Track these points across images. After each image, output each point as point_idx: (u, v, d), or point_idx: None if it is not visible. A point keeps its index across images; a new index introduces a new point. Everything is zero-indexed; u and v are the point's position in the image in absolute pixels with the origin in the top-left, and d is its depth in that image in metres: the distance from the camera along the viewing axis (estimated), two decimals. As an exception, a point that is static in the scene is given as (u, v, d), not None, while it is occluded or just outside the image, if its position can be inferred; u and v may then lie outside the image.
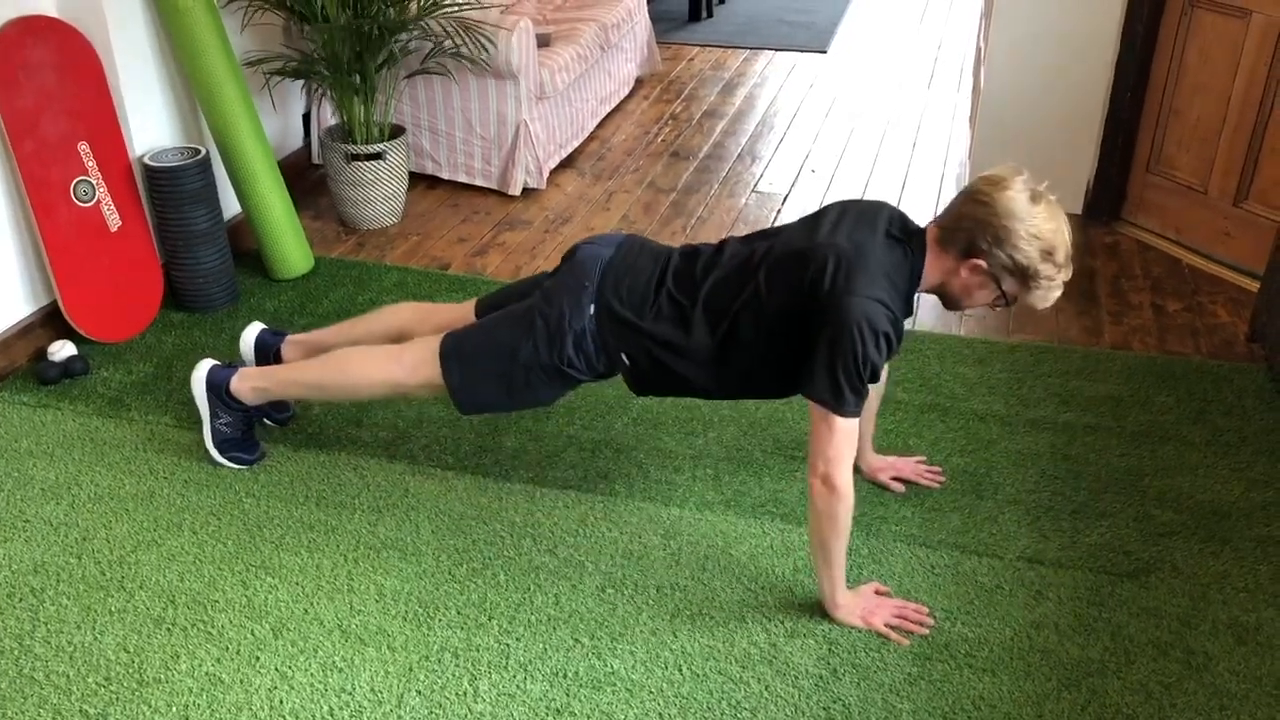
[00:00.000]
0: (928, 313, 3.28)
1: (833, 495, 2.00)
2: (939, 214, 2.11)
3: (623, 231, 2.34)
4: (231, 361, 2.63)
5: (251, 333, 2.70)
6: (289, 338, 2.68)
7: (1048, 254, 1.98)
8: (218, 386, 2.50)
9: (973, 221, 2.00)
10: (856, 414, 2.01)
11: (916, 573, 2.28)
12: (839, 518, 2.02)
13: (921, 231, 2.11)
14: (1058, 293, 2.04)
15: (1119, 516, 2.43)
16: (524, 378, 2.25)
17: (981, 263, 2.01)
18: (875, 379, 2.04)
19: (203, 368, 2.52)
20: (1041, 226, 1.97)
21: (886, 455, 2.59)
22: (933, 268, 2.08)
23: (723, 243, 2.25)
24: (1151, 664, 2.05)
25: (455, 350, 2.28)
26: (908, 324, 3.22)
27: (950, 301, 2.15)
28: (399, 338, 2.49)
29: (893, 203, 3.99)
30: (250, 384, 2.49)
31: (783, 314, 2.07)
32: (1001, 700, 1.98)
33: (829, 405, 1.99)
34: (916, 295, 2.12)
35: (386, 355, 2.35)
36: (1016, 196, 1.97)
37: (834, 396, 1.98)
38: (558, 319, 2.21)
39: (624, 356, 2.21)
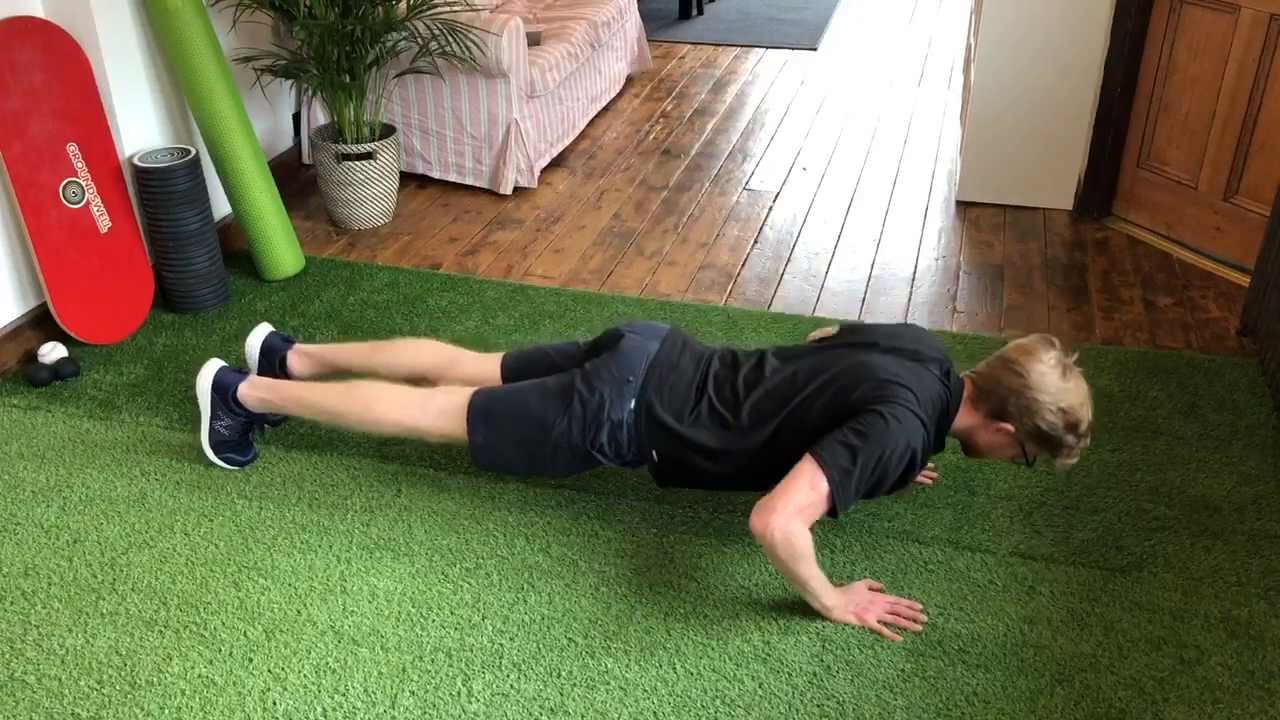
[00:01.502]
0: (919, 308, 3.29)
1: (790, 542, 2.00)
2: (975, 370, 2.22)
3: (663, 323, 2.39)
4: (240, 367, 2.62)
5: (259, 335, 2.68)
6: (297, 346, 2.67)
7: (1072, 427, 2.11)
8: (225, 390, 2.49)
9: (1005, 389, 2.13)
10: (841, 508, 2.02)
11: (909, 569, 2.28)
12: (802, 554, 2.02)
13: (960, 380, 2.22)
14: (1076, 459, 2.17)
15: (1111, 511, 2.44)
16: (550, 453, 2.28)
17: (1009, 426, 2.14)
18: (876, 492, 2.08)
19: (210, 368, 2.51)
20: (1069, 402, 2.10)
21: None
22: (963, 417, 2.20)
23: (761, 356, 2.31)
24: (1144, 658, 2.06)
25: (485, 412, 2.29)
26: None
27: (972, 451, 2.26)
28: (418, 377, 2.50)
29: (885, 199, 4.00)
30: (259, 394, 2.48)
31: (821, 427, 2.12)
32: (995, 696, 1.98)
33: (830, 476, 2.00)
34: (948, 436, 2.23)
35: (413, 400, 2.35)
36: (1048, 372, 2.10)
37: (842, 473, 2.00)
38: (597, 406, 2.23)
39: (654, 454, 2.25)
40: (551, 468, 2.33)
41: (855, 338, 2.29)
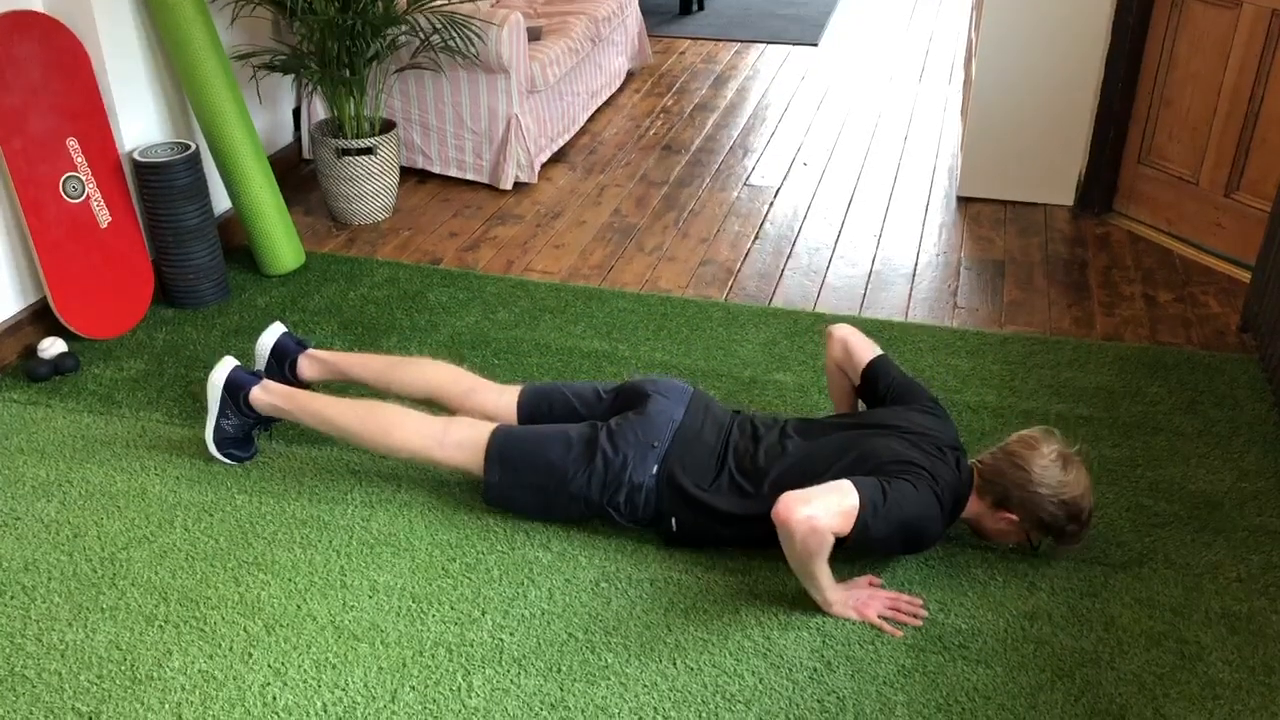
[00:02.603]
0: (919, 303, 3.29)
1: (822, 534, 2.00)
2: (981, 459, 2.26)
3: (686, 384, 2.41)
4: (254, 370, 2.61)
5: (271, 335, 2.67)
6: (310, 352, 2.66)
7: (1074, 517, 2.17)
8: (237, 390, 2.48)
9: (1009, 481, 2.18)
10: (859, 529, 2.02)
11: (910, 565, 2.28)
12: (823, 548, 2.03)
13: (970, 468, 2.26)
14: (1080, 544, 2.24)
15: (1111, 507, 2.44)
16: (565, 502, 2.30)
17: (1013, 516, 2.19)
18: (888, 544, 2.11)
19: (225, 366, 2.51)
20: (1070, 494, 2.15)
21: None
22: (972, 504, 2.26)
23: (782, 428, 2.33)
24: (1145, 654, 2.06)
25: (504, 452, 2.31)
26: (900, 318, 3.23)
27: (979, 534, 2.30)
28: (432, 400, 2.50)
29: (884, 196, 4.00)
30: (273, 401, 2.48)
31: None
32: (995, 691, 1.98)
33: (861, 496, 2.01)
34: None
35: (430, 430, 2.35)
36: (1050, 466, 2.16)
37: (871, 501, 2.02)
38: (620, 466, 2.25)
39: (674, 521, 2.27)
40: (562, 514, 2.36)
41: (877, 418, 2.32)
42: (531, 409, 2.45)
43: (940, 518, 2.14)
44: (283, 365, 2.65)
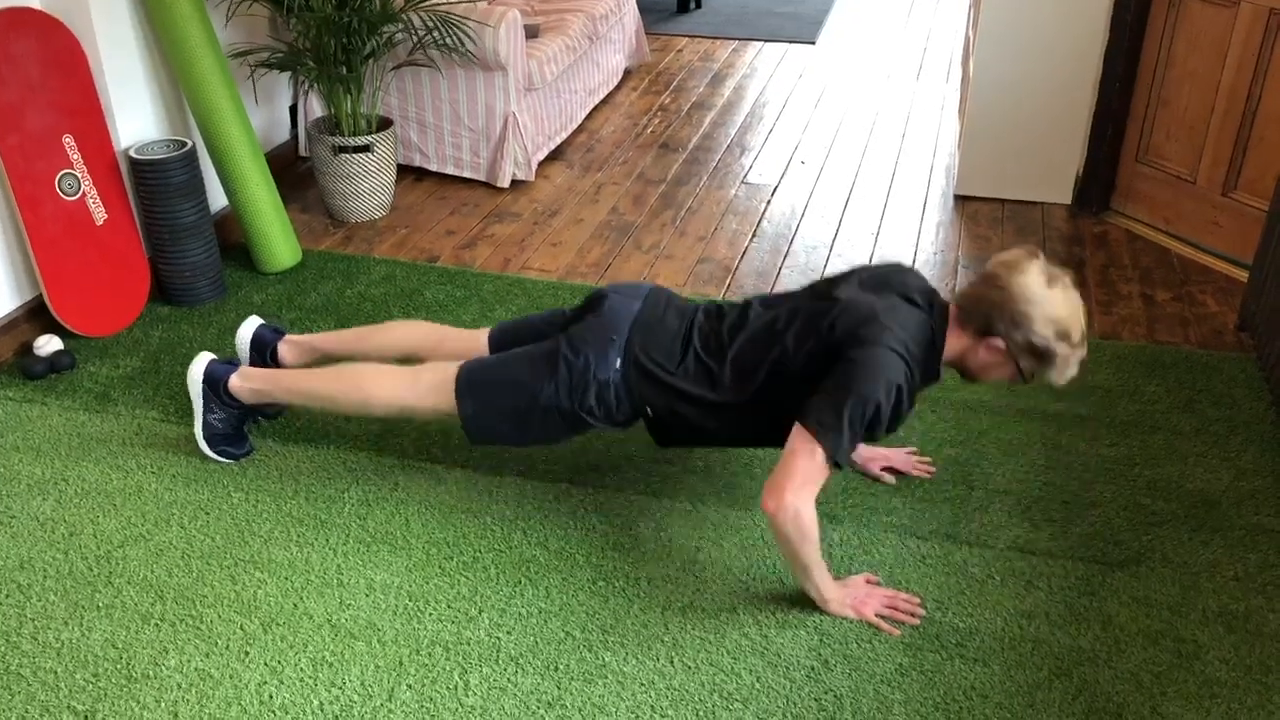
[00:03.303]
0: (918, 303, 3.28)
1: (799, 522, 1.99)
2: (958, 293, 2.17)
3: (646, 282, 2.35)
4: (231, 359, 2.61)
5: (249, 328, 2.68)
6: (287, 337, 2.66)
7: (1063, 336, 2.06)
8: (216, 382, 2.48)
9: (990, 305, 2.08)
10: (843, 461, 2.00)
11: (907, 563, 2.28)
12: (808, 535, 2.01)
13: (945, 305, 2.18)
14: (1074, 370, 2.11)
15: (1109, 506, 2.44)
16: (540, 419, 2.26)
17: (999, 343, 2.09)
18: (874, 434, 2.05)
19: (201, 361, 2.51)
20: (1057, 310, 2.05)
21: (877, 446, 2.59)
22: (953, 342, 2.15)
23: (746, 304, 2.29)
24: (1142, 653, 2.06)
25: (472, 382, 2.28)
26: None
27: (968, 375, 2.22)
28: (408, 359, 2.49)
29: (881, 194, 4.00)
30: (251, 385, 2.48)
31: (808, 372, 2.10)
32: (993, 690, 1.98)
33: (821, 438, 1.98)
34: (942, 365, 2.18)
35: (402, 378, 2.34)
36: (1032, 281, 2.06)
37: (831, 430, 1.98)
38: (583, 367, 2.22)
39: (649, 409, 2.23)
40: (543, 434, 2.30)
41: (838, 279, 2.26)
42: (500, 344, 2.44)
43: (908, 373, 2.03)
44: (264, 356, 2.65)
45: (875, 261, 2.31)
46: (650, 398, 2.22)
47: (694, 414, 2.20)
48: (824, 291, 2.23)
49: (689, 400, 2.19)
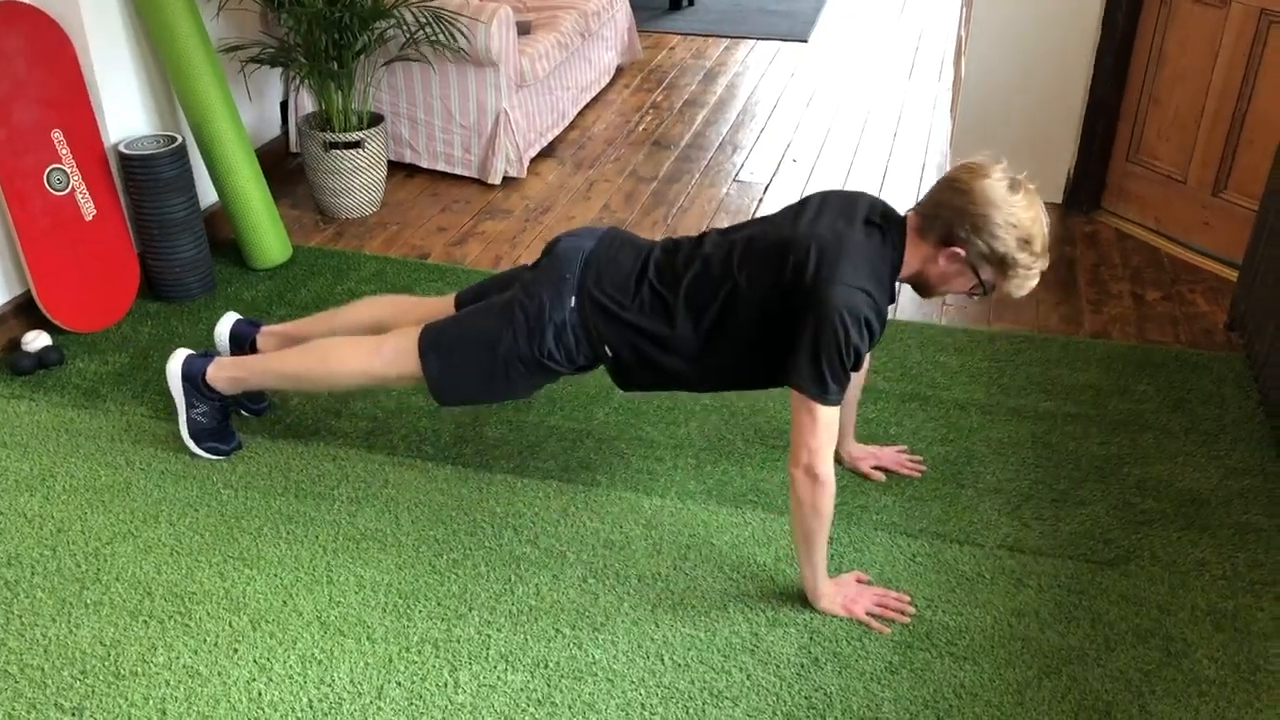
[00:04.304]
0: (909, 302, 3.28)
1: (816, 485, 2.00)
2: (918, 202, 2.11)
3: (604, 224, 2.33)
4: (207, 350, 2.60)
5: (226, 323, 2.68)
6: (264, 329, 2.66)
7: (1025, 242, 1.99)
8: (194, 376, 2.48)
9: (951, 210, 2.01)
10: (838, 402, 2.02)
11: (897, 561, 2.28)
12: (822, 507, 2.02)
13: (902, 220, 2.11)
14: (1034, 281, 2.05)
15: (1099, 504, 2.44)
16: (503, 370, 2.23)
17: (960, 250, 2.02)
18: (858, 366, 2.04)
19: (177, 357, 2.50)
20: (1019, 215, 1.98)
21: (867, 444, 2.59)
22: (912, 255, 2.08)
23: (703, 235, 2.25)
24: (1131, 651, 2.06)
25: (434, 342, 2.27)
26: (890, 311, 3.23)
27: (926, 289, 2.15)
28: (377, 331, 2.47)
29: (874, 192, 4.00)
30: (227, 373, 2.47)
31: (765, 305, 2.07)
32: (983, 688, 1.98)
33: (812, 395, 1.99)
34: (898, 283, 2.12)
35: (366, 346, 2.33)
36: (995, 185, 1.98)
37: (817, 385, 1.98)
38: (537, 311, 2.19)
39: (606, 349, 2.20)
40: (510, 386, 2.28)
41: (792, 207, 2.21)
42: (466, 304, 2.42)
43: (870, 301, 1.99)
44: (243, 350, 2.65)
45: (835, 188, 2.24)
46: (607, 335, 2.19)
47: (653, 351, 2.18)
48: (780, 221, 2.16)
49: (645, 335, 2.17)
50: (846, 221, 2.07)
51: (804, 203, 2.20)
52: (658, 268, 2.20)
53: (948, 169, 2.06)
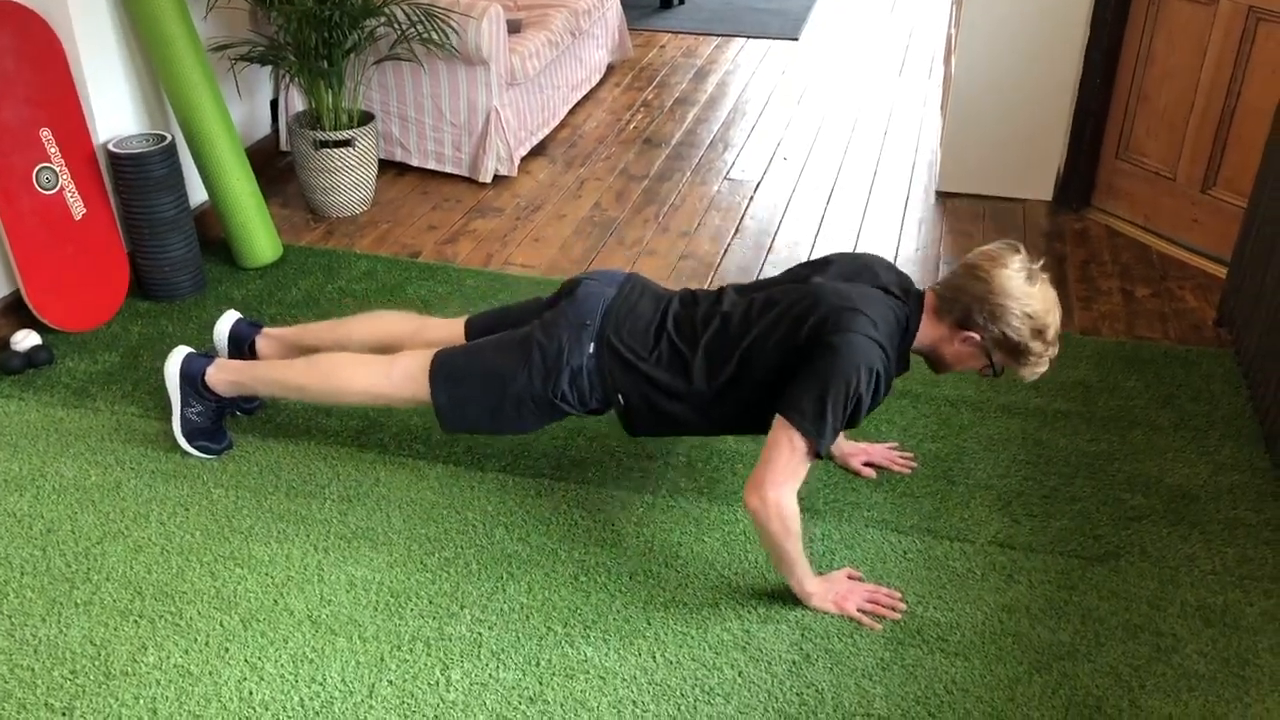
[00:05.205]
0: (899, 299, 3.29)
1: (782, 515, 2.00)
2: (937, 281, 2.18)
3: (622, 269, 2.35)
4: (207, 351, 2.60)
5: (226, 322, 2.67)
6: (265, 331, 2.65)
7: (1038, 332, 2.07)
8: (193, 376, 2.47)
9: (970, 296, 2.09)
10: (823, 451, 2.01)
11: (888, 558, 2.28)
12: (793, 528, 2.03)
13: (920, 293, 2.18)
14: (1044, 368, 2.13)
15: (1089, 501, 2.45)
16: (514, 406, 2.25)
17: (975, 335, 2.10)
18: (855, 421, 2.06)
19: (177, 355, 2.49)
20: (1035, 307, 2.06)
21: (858, 441, 2.60)
22: (927, 331, 2.16)
23: (721, 291, 2.28)
24: (1121, 646, 2.07)
25: (446, 370, 2.27)
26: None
27: (939, 365, 2.22)
28: (384, 349, 2.47)
29: (866, 190, 4.00)
30: (227, 377, 2.46)
31: (782, 364, 2.10)
32: (973, 684, 1.99)
33: (807, 430, 1.99)
34: (911, 354, 2.19)
35: (375, 367, 2.33)
36: (1013, 276, 2.06)
37: (816, 423, 1.99)
38: (556, 353, 2.21)
39: (620, 396, 2.23)
40: (517, 422, 2.30)
41: (812, 268, 2.26)
42: (478, 332, 2.43)
43: (884, 359, 2.04)
44: (241, 350, 2.64)
45: (853, 250, 2.31)
46: (623, 384, 2.21)
47: (665, 401, 2.20)
48: (799, 279, 2.23)
49: (660, 388, 2.19)
50: (866, 284, 2.14)
51: (823, 262, 2.25)
52: (676, 321, 2.23)
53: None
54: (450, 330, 2.47)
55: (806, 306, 2.10)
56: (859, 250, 2.31)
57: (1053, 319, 2.08)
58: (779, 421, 2.02)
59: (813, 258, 2.33)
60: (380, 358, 2.36)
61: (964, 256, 2.15)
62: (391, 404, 2.36)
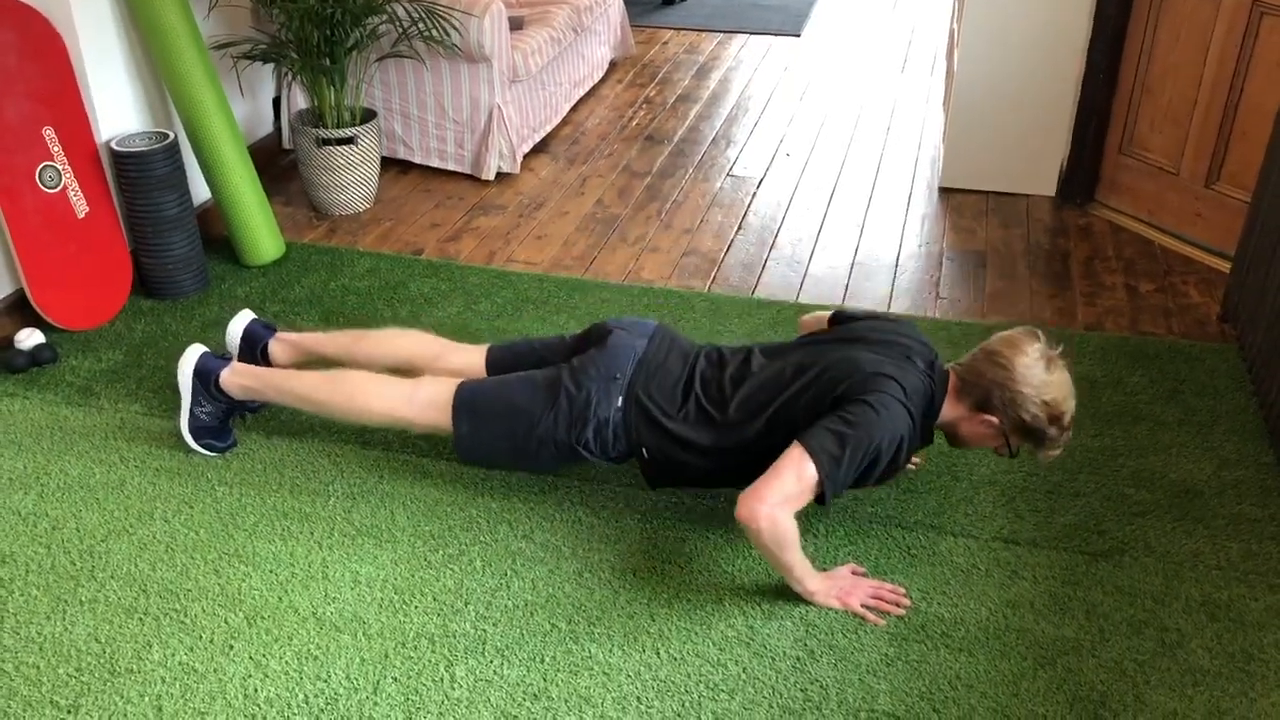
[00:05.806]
0: (903, 294, 3.29)
1: (777, 531, 2.01)
2: (959, 363, 2.23)
3: (650, 320, 2.39)
4: (224, 354, 2.60)
5: (241, 321, 2.67)
6: (279, 335, 2.65)
7: (1055, 419, 2.13)
8: (207, 376, 2.47)
9: (990, 381, 2.14)
10: (830, 492, 2.02)
11: (893, 553, 2.28)
12: (788, 543, 2.04)
13: (945, 372, 2.23)
14: (1058, 451, 2.20)
15: (1093, 496, 2.45)
16: (535, 448, 2.28)
17: (993, 419, 2.16)
18: (866, 478, 2.10)
19: (193, 353, 2.50)
20: (1053, 395, 2.12)
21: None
22: (949, 409, 2.21)
23: (748, 353, 2.31)
24: (1126, 642, 2.07)
25: (470, 403, 2.29)
26: (883, 309, 3.22)
27: (957, 442, 2.29)
28: (404, 369, 2.48)
29: (868, 185, 3.99)
30: (242, 381, 2.47)
31: (810, 422, 2.11)
32: (978, 679, 1.99)
33: (819, 462, 2.00)
34: (934, 428, 2.24)
35: (398, 391, 2.34)
36: (1033, 365, 2.12)
37: (830, 457, 2.01)
38: (584, 403, 2.23)
39: (644, 450, 2.25)
40: (535, 462, 2.34)
41: (842, 333, 2.31)
42: (499, 363, 2.45)
43: (911, 427, 2.11)
44: (254, 351, 2.64)
45: (878, 314, 2.38)
46: (647, 438, 2.24)
47: (689, 458, 2.23)
48: (831, 348, 2.25)
49: (686, 445, 2.22)
50: (900, 358, 2.18)
51: (851, 330, 2.30)
52: (704, 381, 2.26)
53: (990, 342, 2.20)
54: (471, 359, 2.47)
55: (843, 372, 2.14)
56: (892, 316, 2.36)
57: (1069, 406, 2.14)
58: (795, 448, 2.03)
59: (841, 312, 2.40)
60: (403, 381, 2.36)
61: (985, 341, 2.21)
62: (411, 428, 2.38)
